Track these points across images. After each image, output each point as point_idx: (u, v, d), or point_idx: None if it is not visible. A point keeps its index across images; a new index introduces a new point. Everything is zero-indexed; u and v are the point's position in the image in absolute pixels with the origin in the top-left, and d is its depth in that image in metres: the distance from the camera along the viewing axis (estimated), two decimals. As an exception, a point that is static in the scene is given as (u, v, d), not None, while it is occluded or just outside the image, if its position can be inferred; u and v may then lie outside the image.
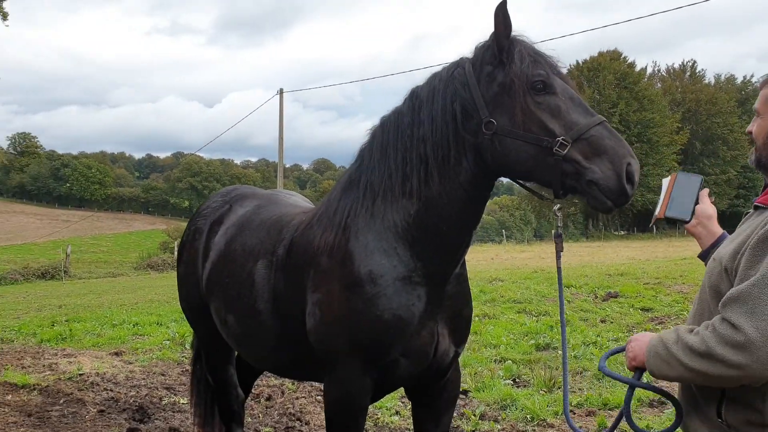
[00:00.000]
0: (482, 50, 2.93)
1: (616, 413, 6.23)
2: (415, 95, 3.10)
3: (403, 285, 3.03)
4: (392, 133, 3.12)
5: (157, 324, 11.90)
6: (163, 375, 8.01)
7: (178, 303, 14.41)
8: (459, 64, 3.00)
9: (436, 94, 2.98)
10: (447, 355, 3.24)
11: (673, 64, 62.68)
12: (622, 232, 62.37)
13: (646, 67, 57.47)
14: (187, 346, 9.66)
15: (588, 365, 7.94)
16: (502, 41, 2.83)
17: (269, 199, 4.22)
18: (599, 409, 6.36)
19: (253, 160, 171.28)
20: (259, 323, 3.53)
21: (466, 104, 2.89)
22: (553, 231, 3.01)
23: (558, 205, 2.92)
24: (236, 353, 4.46)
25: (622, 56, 54.47)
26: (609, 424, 6.04)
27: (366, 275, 3.04)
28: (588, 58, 53.97)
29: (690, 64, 60.76)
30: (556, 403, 6.47)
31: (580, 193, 2.70)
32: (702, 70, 61.01)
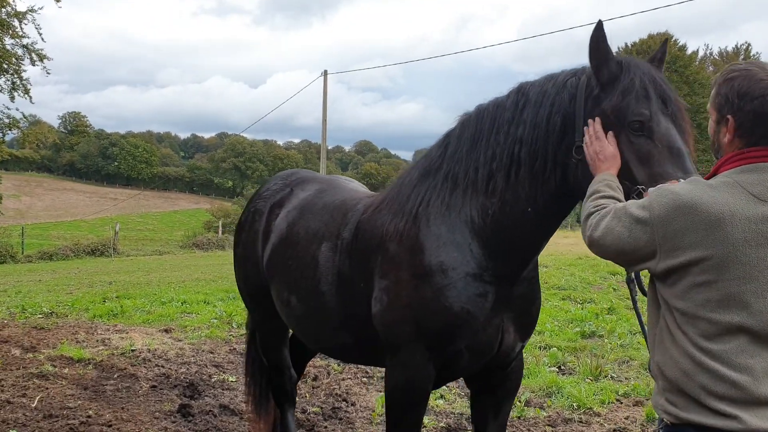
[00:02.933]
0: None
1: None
2: (522, 92, 3.01)
3: (474, 281, 3.04)
4: (488, 126, 3.07)
5: (204, 302, 12.13)
6: (211, 353, 8.18)
7: (223, 282, 14.72)
8: (577, 73, 2.87)
9: (545, 99, 2.88)
10: (512, 350, 3.27)
11: (726, 47, 60.42)
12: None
13: (697, 50, 56.05)
14: (234, 325, 9.88)
15: (635, 354, 7.87)
16: (602, 69, 2.69)
17: (330, 184, 4.25)
18: (647, 399, 6.30)
19: (296, 141, 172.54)
20: (322, 304, 3.59)
21: (567, 119, 2.80)
22: (625, 277, 2.88)
23: None
24: (290, 334, 4.54)
25: (673, 39, 53.12)
26: (656, 415, 6.00)
27: (437, 266, 3.06)
28: (638, 41, 52.74)
29: (744, 47, 58.92)
30: (602, 392, 6.44)
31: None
32: (757, 53, 58.98)
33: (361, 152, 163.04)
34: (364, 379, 7.06)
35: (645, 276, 2.51)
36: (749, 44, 57.48)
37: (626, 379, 7.05)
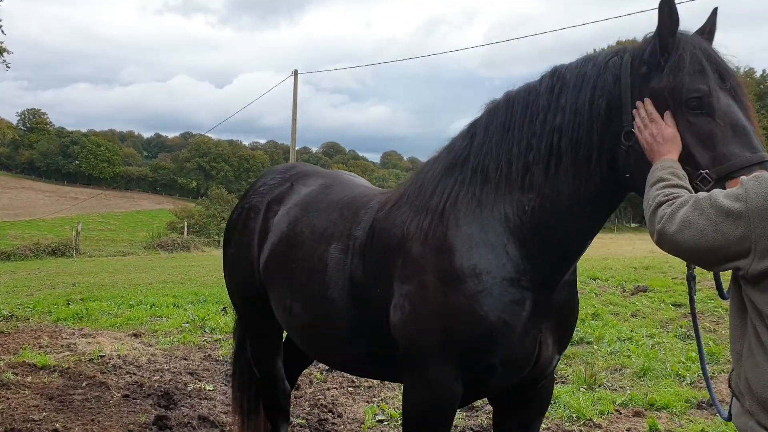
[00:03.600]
0: (644, 45, 2.51)
1: (664, 414, 5.97)
2: (557, 76, 2.70)
3: (511, 286, 2.71)
4: (520, 114, 2.75)
5: (174, 306, 11.65)
6: (185, 359, 7.74)
7: (192, 285, 14.25)
8: (618, 53, 2.60)
9: (585, 82, 2.59)
10: (549, 364, 2.95)
11: (694, 55, 60.98)
12: (634, 225, 61.91)
13: (664, 58, 56.55)
14: (207, 330, 9.44)
15: (626, 362, 7.64)
16: (666, 39, 2.40)
17: (335, 178, 3.90)
18: (646, 410, 6.07)
19: (262, 141, 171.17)
20: (331, 312, 3.23)
21: (612, 103, 2.52)
22: (686, 273, 2.60)
23: None
24: (283, 343, 4.16)
25: (641, 46, 53.73)
26: (660, 427, 5.80)
27: (469, 269, 2.72)
28: (606, 47, 53.24)
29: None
30: (600, 402, 6.19)
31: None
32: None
33: (328, 154, 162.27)
34: (350, 388, 6.70)
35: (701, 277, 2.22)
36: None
37: (621, 388, 6.81)
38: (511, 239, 2.73)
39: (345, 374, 6.94)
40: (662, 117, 2.38)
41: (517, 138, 2.73)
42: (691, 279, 2.58)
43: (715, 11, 2.56)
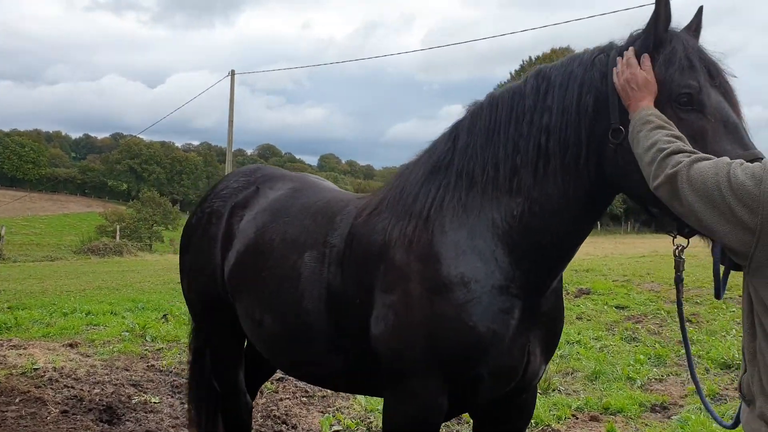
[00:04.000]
0: (633, 40, 2.47)
1: (619, 418, 5.99)
2: (542, 76, 2.63)
3: (500, 294, 2.61)
4: (505, 116, 2.66)
5: (112, 313, 11.18)
6: (127, 370, 7.38)
7: (129, 291, 13.75)
8: (604, 50, 2.55)
9: (572, 81, 2.53)
10: (536, 375, 2.86)
11: (623, 63, 62.92)
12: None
13: (596, 65, 58.08)
14: (149, 339, 9.07)
15: (577, 365, 7.69)
16: (661, 34, 2.36)
17: (304, 182, 3.71)
18: (601, 414, 6.09)
19: (195, 143, 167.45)
20: (305, 324, 3.05)
21: (599, 100, 2.46)
22: (674, 276, 2.54)
23: (680, 246, 2.44)
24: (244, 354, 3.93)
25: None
26: (617, 431, 5.82)
27: (457, 278, 2.60)
28: (541, 55, 54.56)
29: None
30: (556, 407, 6.18)
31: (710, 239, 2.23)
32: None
33: (264, 156, 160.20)
34: (304, 398, 6.49)
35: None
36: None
37: (575, 392, 6.83)
38: (500, 245, 2.63)
39: (298, 383, 6.73)
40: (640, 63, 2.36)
41: (503, 140, 2.65)
42: (678, 282, 2.53)
43: (700, 9, 2.53)
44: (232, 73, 36.49)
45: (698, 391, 2.60)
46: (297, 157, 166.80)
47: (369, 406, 6.15)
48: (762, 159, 2.17)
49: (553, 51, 53.97)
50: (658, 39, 2.37)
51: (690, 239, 2.41)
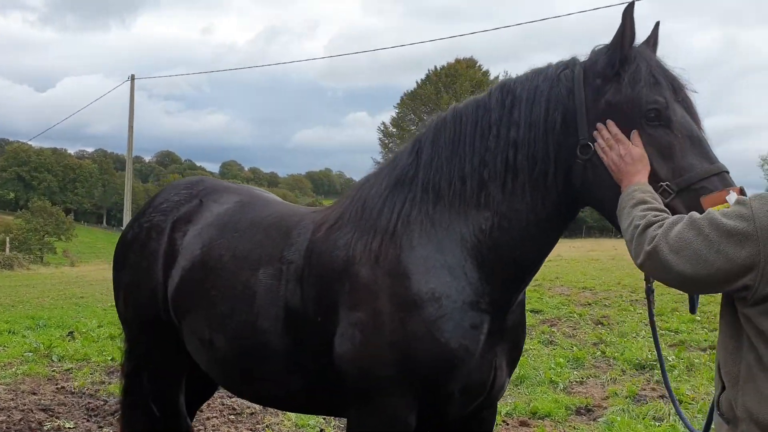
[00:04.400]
0: (597, 56, 2.50)
1: (547, 422, 6.11)
2: (507, 90, 2.63)
3: (471, 310, 2.58)
4: (470, 129, 2.64)
5: (10, 332, 10.44)
6: (34, 394, 6.89)
7: (26, 307, 12.89)
8: (569, 66, 2.56)
9: (538, 96, 2.53)
10: (502, 389, 2.85)
11: (522, 75, 65.17)
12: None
13: (498, 76, 59.68)
14: (55, 359, 8.54)
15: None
16: (626, 51, 2.40)
17: (251, 195, 3.55)
18: (530, 419, 6.19)
19: (89, 150, 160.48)
20: (262, 345, 2.92)
21: (567, 116, 2.47)
22: (645, 287, 2.58)
23: None
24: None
25: (477, 64, 56.78)
26: (549, 436, 5.93)
27: (428, 294, 2.55)
28: (446, 65, 55.74)
29: (537, 75, 64.28)
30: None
31: None
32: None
33: (163, 163, 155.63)
34: (231, 416, 6.25)
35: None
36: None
37: (502, 397, 6.91)
38: (469, 260, 2.61)
39: (225, 401, 6.49)
40: (624, 132, 2.35)
41: (469, 154, 2.64)
42: (649, 293, 2.58)
43: (657, 24, 2.60)
44: (132, 78, 35.31)
45: (672, 399, 2.66)
46: (198, 164, 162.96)
47: (300, 422, 6.00)
48: (727, 172, 2.25)
49: (458, 61, 55.47)
50: (624, 56, 2.41)
51: None
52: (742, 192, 2.18)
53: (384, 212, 2.72)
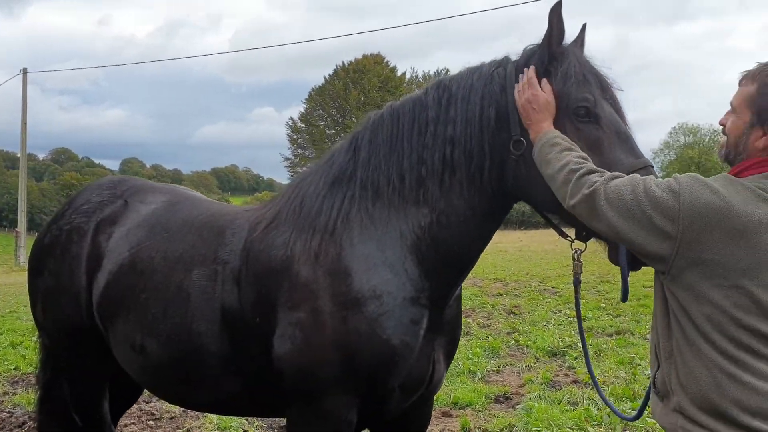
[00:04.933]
0: (528, 55, 2.59)
1: (469, 411, 6.25)
2: (443, 88, 2.67)
3: (411, 306, 2.62)
4: (407, 127, 2.67)
5: None
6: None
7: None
8: (501, 64, 2.64)
9: (473, 94, 2.59)
10: (440, 383, 2.91)
11: (429, 71, 66.16)
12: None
13: (405, 72, 60.61)
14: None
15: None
16: (555, 49, 2.50)
17: (179, 195, 3.45)
18: (451, 409, 6.32)
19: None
20: (197, 348, 2.86)
21: (500, 112, 2.54)
22: (572, 278, 2.71)
23: (578, 250, 2.61)
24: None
25: (385, 60, 57.15)
26: (471, 425, 6.06)
27: (369, 291, 2.57)
28: (353, 60, 55.80)
29: (444, 72, 65.35)
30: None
31: (605, 240, 2.41)
32: (456, 78, 65.65)
33: (58, 161, 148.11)
34: (150, 422, 6.06)
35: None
36: (448, 69, 63.88)
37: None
38: (409, 256, 2.64)
39: (142, 407, 6.29)
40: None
41: (407, 151, 2.67)
42: (577, 283, 2.71)
43: (584, 27, 2.71)
44: (24, 72, 33.60)
45: (596, 387, 2.79)
46: (96, 161, 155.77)
47: (222, 424, 5.89)
48: (652, 166, 2.40)
49: (365, 57, 55.66)
50: (553, 54, 2.51)
51: (587, 243, 2.57)
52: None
53: (323, 210, 2.72)
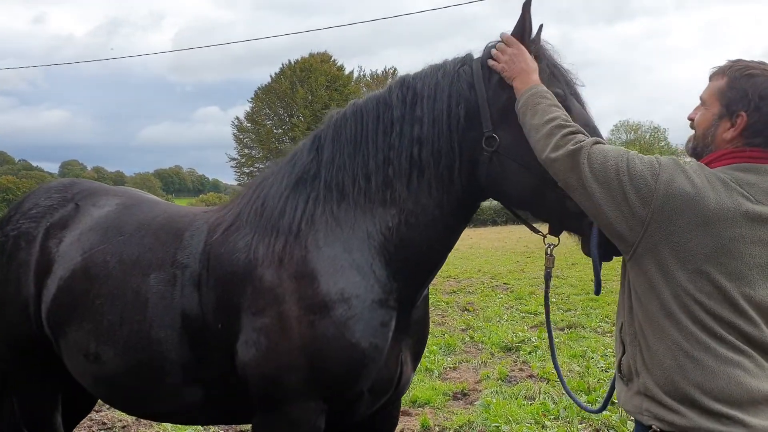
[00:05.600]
0: (489, 51, 2.56)
1: (428, 410, 6.25)
2: (407, 86, 2.63)
3: (379, 308, 2.58)
4: (372, 126, 2.62)
5: None
6: None
7: None
8: (465, 62, 2.61)
9: (439, 91, 2.56)
10: (408, 384, 2.88)
11: (377, 69, 66.19)
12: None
13: (353, 71, 60.42)
14: None
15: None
16: (525, 43, 2.50)
17: (132, 197, 3.32)
18: (410, 408, 6.31)
19: None
20: (156, 356, 2.76)
21: (470, 110, 2.51)
22: (544, 272, 2.72)
23: (551, 245, 2.61)
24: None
25: (332, 59, 56.92)
26: (431, 424, 6.06)
27: (337, 294, 2.52)
28: (300, 59, 55.39)
29: (391, 71, 65.26)
30: (368, 406, 6.26)
31: (580, 234, 2.44)
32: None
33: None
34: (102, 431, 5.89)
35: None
36: (396, 68, 64.03)
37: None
38: (377, 258, 2.60)
39: (93, 416, 6.09)
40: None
41: (372, 151, 2.62)
42: (548, 278, 2.72)
43: (540, 27, 2.71)
44: (-44, 70, 32.20)
45: (561, 381, 2.80)
46: (34, 164, 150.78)
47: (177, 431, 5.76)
48: None
49: (312, 55, 55.37)
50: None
51: (560, 237, 2.59)
52: None
53: (286, 212, 2.66)
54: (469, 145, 2.52)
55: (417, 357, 2.93)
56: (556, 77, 2.50)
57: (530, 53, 2.48)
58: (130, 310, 2.81)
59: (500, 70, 2.49)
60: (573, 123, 2.26)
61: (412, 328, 2.79)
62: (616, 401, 2.44)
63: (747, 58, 2.18)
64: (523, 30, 2.51)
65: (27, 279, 3.11)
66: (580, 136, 2.20)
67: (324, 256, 2.57)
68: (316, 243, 2.59)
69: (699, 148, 2.21)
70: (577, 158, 2.13)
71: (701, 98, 2.22)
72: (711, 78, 2.20)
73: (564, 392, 6.27)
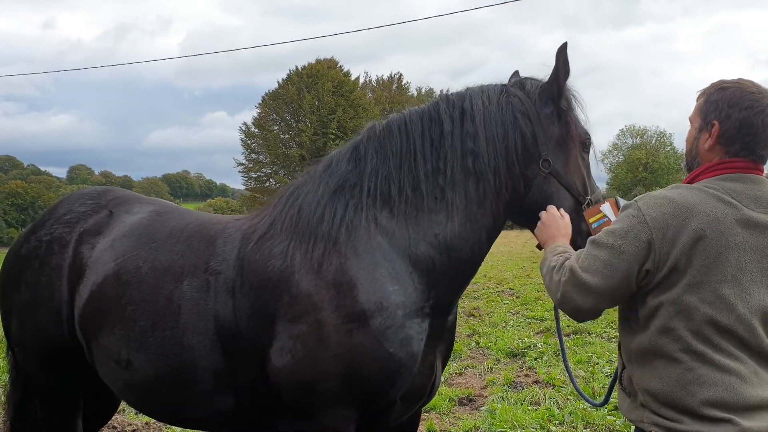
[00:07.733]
0: (537, 89, 2.79)
1: (433, 414, 6.33)
2: (452, 104, 2.79)
3: (416, 316, 2.64)
4: (419, 139, 2.75)
5: None
6: None
7: None
8: (510, 92, 2.79)
9: (488, 114, 2.74)
10: (436, 390, 2.94)
11: (383, 75, 66.49)
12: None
13: (359, 77, 60.40)
14: None
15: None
16: (562, 85, 2.75)
17: (165, 205, 3.38)
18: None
19: None
20: (188, 363, 2.79)
21: (526, 136, 2.72)
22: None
23: None
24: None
25: (339, 65, 57.02)
26: (437, 429, 6.14)
27: (375, 304, 2.57)
28: (307, 65, 55.50)
29: (397, 76, 65.52)
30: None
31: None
32: (407, 82, 66.03)
33: (2, 169, 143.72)
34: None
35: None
36: (401, 74, 64.27)
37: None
38: (417, 267, 2.67)
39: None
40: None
41: (421, 162, 2.72)
42: (557, 309, 2.83)
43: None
44: (-33, 77, 32.48)
45: (570, 378, 2.94)
46: (43, 168, 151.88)
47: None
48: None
49: (319, 61, 55.48)
50: (560, 89, 2.74)
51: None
52: (616, 202, 2.66)
53: (325, 219, 2.69)
54: (523, 167, 2.71)
55: (445, 362, 2.99)
56: (584, 120, 2.85)
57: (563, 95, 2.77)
58: (162, 316, 2.84)
59: (536, 235, 2.72)
60: (559, 258, 2.41)
61: (444, 335, 2.86)
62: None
63: (746, 67, 2.34)
64: (558, 74, 2.73)
65: (60, 284, 3.15)
66: (566, 264, 2.31)
67: (363, 263, 2.60)
68: (355, 250, 2.62)
69: (690, 163, 2.35)
70: (575, 280, 2.24)
71: (689, 119, 2.36)
72: (696, 100, 2.35)
73: (569, 397, 6.40)
